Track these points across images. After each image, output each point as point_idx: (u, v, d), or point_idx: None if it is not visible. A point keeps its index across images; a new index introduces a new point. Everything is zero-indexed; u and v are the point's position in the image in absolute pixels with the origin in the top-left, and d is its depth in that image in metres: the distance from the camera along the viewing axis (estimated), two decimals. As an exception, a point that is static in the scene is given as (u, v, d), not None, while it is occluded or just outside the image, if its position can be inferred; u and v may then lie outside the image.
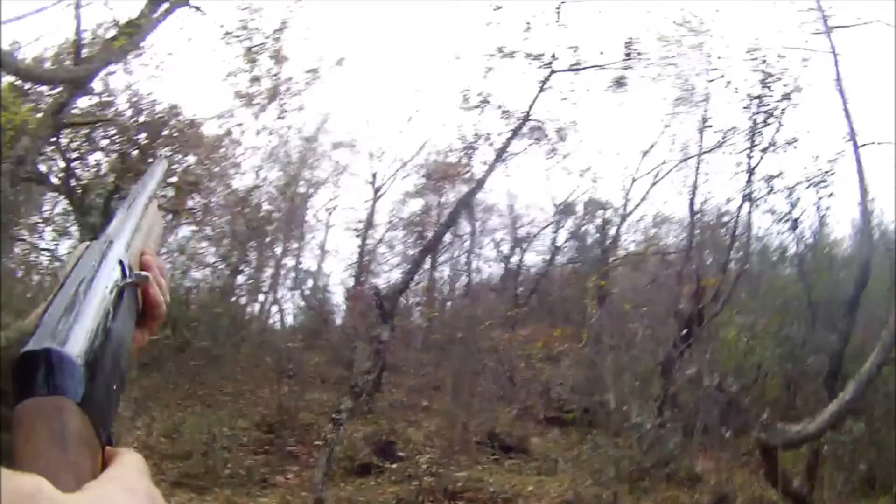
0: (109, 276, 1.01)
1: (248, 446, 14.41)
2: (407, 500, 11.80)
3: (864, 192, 14.06)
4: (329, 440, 12.11)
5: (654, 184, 20.91)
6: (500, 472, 13.10)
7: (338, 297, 24.56)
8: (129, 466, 0.81)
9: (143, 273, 1.14)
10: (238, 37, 17.54)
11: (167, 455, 13.44)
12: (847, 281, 13.86)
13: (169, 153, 19.26)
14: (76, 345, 0.82)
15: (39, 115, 14.04)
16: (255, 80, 19.02)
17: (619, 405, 13.67)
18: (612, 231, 22.52)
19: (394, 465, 13.33)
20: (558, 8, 15.08)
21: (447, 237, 23.16)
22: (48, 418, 0.77)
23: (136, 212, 1.25)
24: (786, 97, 14.83)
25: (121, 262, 1.06)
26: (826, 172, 14.97)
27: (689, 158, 17.67)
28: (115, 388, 0.93)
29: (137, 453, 0.85)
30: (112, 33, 14.75)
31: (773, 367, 14.53)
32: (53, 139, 16.49)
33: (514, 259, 25.23)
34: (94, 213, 17.91)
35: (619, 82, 16.40)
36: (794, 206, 15.44)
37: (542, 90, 15.56)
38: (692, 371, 14.10)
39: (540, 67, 15.53)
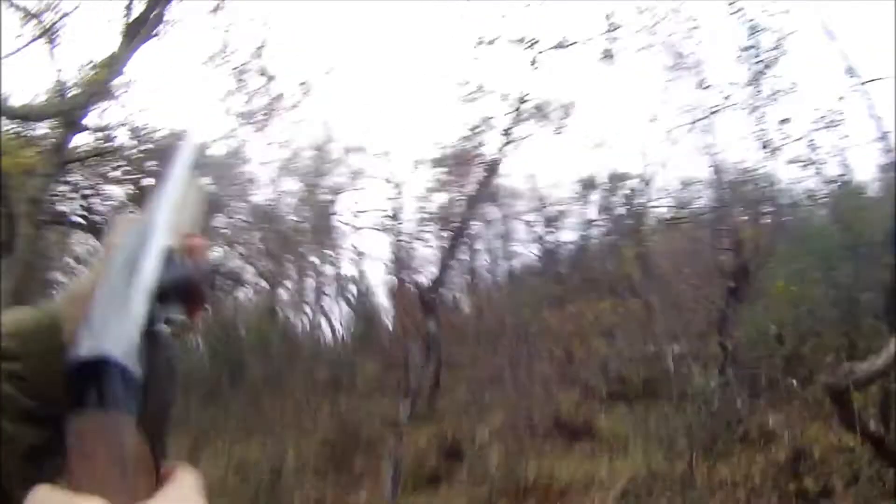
0: (156, 268, 0.95)
1: (317, 470, 14.42)
2: (480, 501, 11.76)
3: (880, 124, 13.92)
4: (393, 451, 12.12)
5: (671, 149, 20.81)
6: (570, 461, 13.00)
7: (382, 298, 24.65)
8: (185, 486, 0.81)
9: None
10: (222, 58, 17.68)
11: (236, 491, 13.49)
12: (884, 217, 13.64)
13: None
14: (132, 353, 0.80)
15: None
16: (251, 97, 19.15)
17: (677, 370, 13.56)
18: (640, 200, 22.42)
19: (464, 468, 13.31)
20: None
21: (479, 225, 23.16)
22: (107, 437, 0.76)
23: (176, 187, 1.17)
24: (778, 44, 14.72)
25: (167, 252, 1.00)
26: (838, 112, 14.86)
27: (698, 121, 17.52)
28: (168, 396, 0.93)
29: (193, 470, 0.85)
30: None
31: (829, 312, 14.33)
32: (66, 179, 16.69)
33: (550, 238, 25.16)
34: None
35: (608, 54, 16.30)
36: (813, 149, 15.31)
37: (533, 70, 15.57)
38: (748, 327, 14.00)
39: (525, 49, 15.53)
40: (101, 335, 0.79)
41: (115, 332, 0.80)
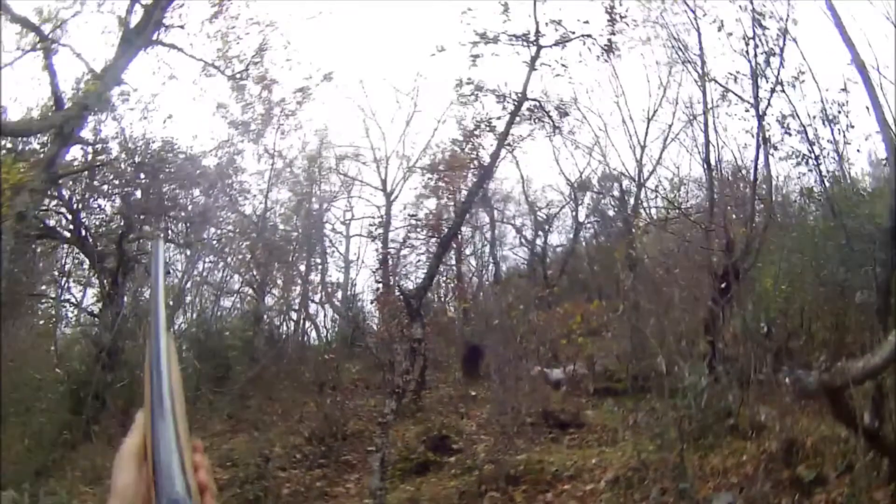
0: None
1: (304, 462, 14.32)
2: (469, 491, 11.65)
3: (881, 117, 13.76)
4: (379, 444, 12.00)
5: (665, 147, 20.79)
6: (559, 450, 12.92)
7: (369, 304, 24.56)
8: None
9: None
10: (218, 67, 17.54)
11: (224, 485, 13.37)
12: (880, 213, 13.54)
13: (173, 188, 19.42)
14: None
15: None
16: (248, 106, 19.06)
17: (669, 367, 13.45)
18: (632, 200, 22.38)
19: (451, 459, 13.24)
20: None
21: (468, 230, 23.13)
22: None
23: (170, 413, 1.22)
24: (782, 33, 14.55)
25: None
26: (840, 104, 14.73)
27: (696, 117, 17.43)
28: None
29: None
30: (92, 84, 14.85)
31: (819, 309, 14.25)
32: (56, 194, 16.57)
33: (539, 242, 25.19)
34: (109, 258, 17.99)
35: (609, 49, 16.07)
36: (812, 144, 15.17)
37: (532, 69, 15.34)
38: (737, 324, 13.92)
39: (526, 46, 15.32)
40: None
41: None
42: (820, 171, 15.46)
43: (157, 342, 1.30)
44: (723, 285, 14.26)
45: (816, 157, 15.23)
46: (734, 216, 16.45)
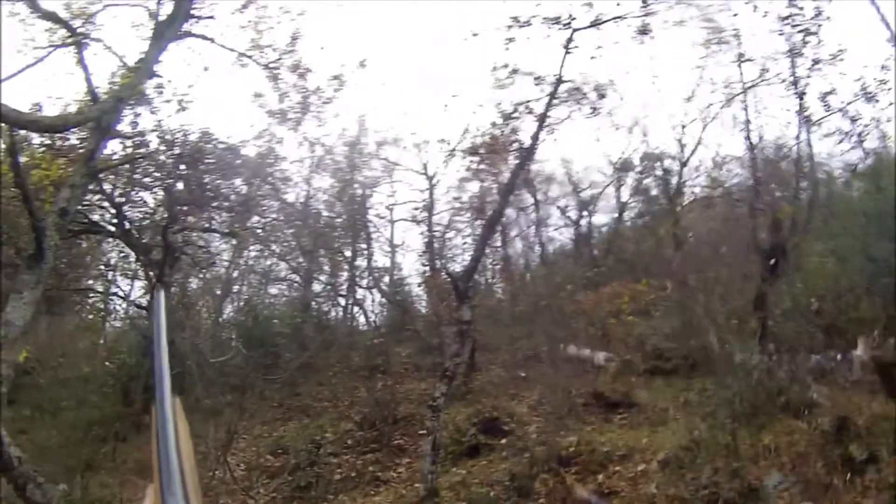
0: None
1: (355, 448, 14.45)
2: (521, 473, 11.65)
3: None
4: (430, 428, 12.08)
5: (705, 127, 20.62)
6: (610, 430, 12.89)
7: (416, 288, 24.60)
8: None
9: None
10: (251, 56, 17.63)
11: (276, 472, 13.55)
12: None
13: (215, 178, 19.62)
14: None
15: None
16: (284, 95, 19.12)
17: (720, 346, 13.40)
18: (674, 180, 22.28)
19: (502, 441, 13.27)
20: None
21: (512, 212, 23.11)
22: None
23: (180, 486, 1.12)
24: (818, 12, 14.38)
25: None
26: (881, 82, 14.53)
27: (735, 96, 17.25)
28: None
29: None
30: (127, 78, 15.01)
31: (868, 286, 14.09)
32: (98, 188, 16.76)
33: (583, 222, 25.15)
34: (154, 250, 18.21)
35: (643, 31, 15.93)
36: (855, 120, 15.00)
37: (567, 52, 15.27)
38: (787, 301, 13.84)
39: (560, 30, 15.25)
40: None
41: None
42: (863, 148, 15.31)
43: (163, 408, 1.21)
44: (771, 262, 14.17)
45: (859, 134, 15.06)
46: (778, 193, 16.35)
